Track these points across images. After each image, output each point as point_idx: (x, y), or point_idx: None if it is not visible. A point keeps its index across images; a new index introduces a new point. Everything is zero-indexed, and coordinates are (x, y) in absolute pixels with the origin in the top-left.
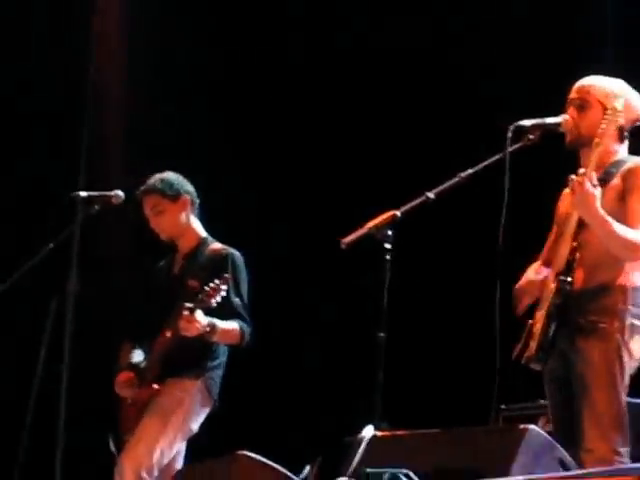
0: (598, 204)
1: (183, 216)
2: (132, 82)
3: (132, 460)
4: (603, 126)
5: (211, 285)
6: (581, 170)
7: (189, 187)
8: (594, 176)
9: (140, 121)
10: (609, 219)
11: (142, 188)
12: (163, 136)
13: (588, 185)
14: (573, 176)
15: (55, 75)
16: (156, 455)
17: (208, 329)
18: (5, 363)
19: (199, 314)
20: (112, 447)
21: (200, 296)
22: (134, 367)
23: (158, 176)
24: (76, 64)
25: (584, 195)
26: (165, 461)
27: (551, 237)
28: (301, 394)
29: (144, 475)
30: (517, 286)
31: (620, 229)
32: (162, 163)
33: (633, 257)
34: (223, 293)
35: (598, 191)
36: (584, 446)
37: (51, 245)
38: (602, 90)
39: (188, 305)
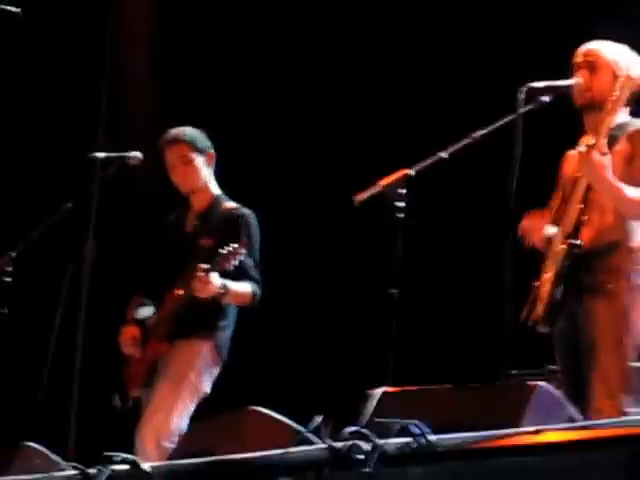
0: (609, 173)
1: (206, 170)
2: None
3: (152, 431)
4: (617, 93)
5: (229, 249)
6: (591, 141)
7: (210, 143)
8: (605, 144)
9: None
10: (620, 185)
11: (168, 137)
12: (186, 94)
13: (597, 156)
14: (582, 148)
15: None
16: (174, 422)
17: (222, 291)
18: (21, 329)
19: (214, 276)
20: (116, 403)
21: (217, 258)
22: (140, 323)
23: (182, 128)
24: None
25: (594, 166)
26: (184, 425)
27: (556, 197)
28: (313, 353)
29: (165, 444)
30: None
31: (631, 192)
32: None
33: None
34: (241, 257)
35: (608, 159)
36: (593, 405)
37: (68, 205)
38: (610, 53)
39: (204, 266)
